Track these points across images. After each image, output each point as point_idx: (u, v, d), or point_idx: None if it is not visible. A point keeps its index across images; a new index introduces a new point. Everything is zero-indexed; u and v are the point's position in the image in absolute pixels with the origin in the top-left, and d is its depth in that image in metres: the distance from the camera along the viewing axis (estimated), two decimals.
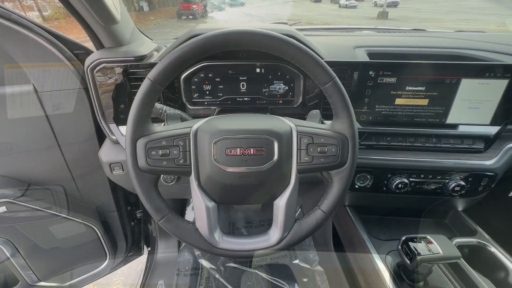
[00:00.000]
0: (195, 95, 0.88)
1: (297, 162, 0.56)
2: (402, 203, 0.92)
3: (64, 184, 1.01)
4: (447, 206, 0.95)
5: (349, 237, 0.97)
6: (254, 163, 0.54)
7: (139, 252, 1.48)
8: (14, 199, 0.90)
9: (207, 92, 0.87)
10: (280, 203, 0.58)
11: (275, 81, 0.87)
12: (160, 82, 0.52)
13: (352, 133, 0.55)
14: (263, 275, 1.33)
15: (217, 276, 1.31)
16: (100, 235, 1.15)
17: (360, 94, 0.79)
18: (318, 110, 0.66)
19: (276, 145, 0.55)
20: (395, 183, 0.82)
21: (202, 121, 0.59)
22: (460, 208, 0.94)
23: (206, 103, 0.88)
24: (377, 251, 0.80)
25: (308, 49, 0.52)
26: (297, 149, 0.56)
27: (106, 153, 0.86)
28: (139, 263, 1.73)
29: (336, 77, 0.53)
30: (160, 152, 0.55)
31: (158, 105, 0.75)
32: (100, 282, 1.83)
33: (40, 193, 0.97)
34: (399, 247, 0.69)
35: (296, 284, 1.27)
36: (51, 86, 0.84)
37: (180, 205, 1.54)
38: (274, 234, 0.59)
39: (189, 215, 1.53)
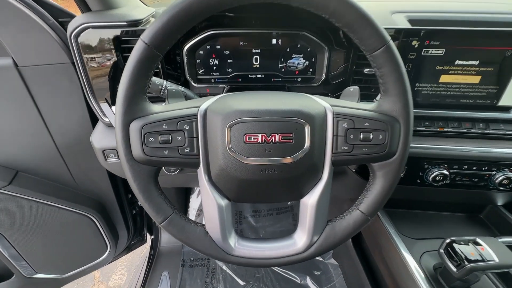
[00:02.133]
0: (200, 71, 0.75)
1: (332, 152, 0.45)
2: (436, 197, 0.81)
3: (56, 171, 0.91)
4: (484, 200, 0.84)
5: (372, 231, 0.87)
6: (279, 153, 0.43)
7: (142, 241, 1.41)
8: (0, 188, 0.81)
9: (214, 68, 0.75)
10: (310, 202, 0.47)
11: (293, 55, 0.74)
12: (158, 46, 0.40)
13: (406, 116, 0.43)
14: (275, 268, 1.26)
15: (224, 267, 1.24)
16: (99, 225, 1.07)
17: None
18: (356, 87, 0.53)
19: (307, 130, 0.43)
20: (432, 175, 0.71)
21: (212, 99, 0.47)
22: (499, 203, 0.83)
23: (213, 80, 0.76)
24: (409, 250, 0.70)
25: (356, 2, 0.39)
26: (333, 136, 0.45)
27: (99, 138, 0.75)
28: (142, 252, 1.67)
29: (391, 41, 0.40)
30: (160, 138, 0.44)
31: (156, 79, 0.62)
32: (100, 272, 1.79)
33: (30, 181, 0.88)
34: (442, 250, 0.59)
35: (307, 277, 1.19)
36: (34, 60, 0.73)
37: (184, 194, 1.45)
38: (300, 239, 0.49)
39: (194, 203, 1.45)
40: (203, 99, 0.48)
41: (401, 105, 0.43)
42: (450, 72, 0.65)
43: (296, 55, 0.74)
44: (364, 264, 0.99)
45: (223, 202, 0.47)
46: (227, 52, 0.73)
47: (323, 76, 0.74)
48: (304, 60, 0.75)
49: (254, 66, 0.75)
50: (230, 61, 0.74)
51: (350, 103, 0.47)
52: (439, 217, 0.86)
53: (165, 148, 0.44)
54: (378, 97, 0.57)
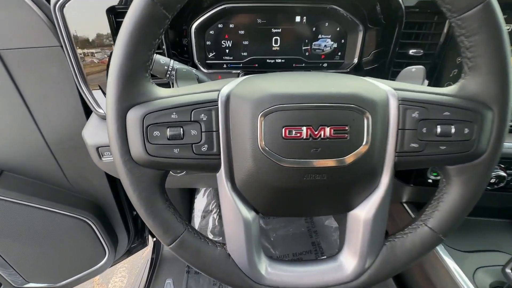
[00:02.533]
0: (211, 54, 0.64)
1: (395, 151, 0.34)
2: (486, 202, 0.70)
3: (46, 171, 0.81)
4: None
5: None
6: (329, 153, 0.32)
7: (143, 243, 1.32)
8: None
9: (227, 51, 0.64)
10: (363, 216, 0.36)
11: (320, 35, 0.63)
12: (167, 2, 0.29)
13: (504, 102, 0.32)
14: None
15: None
16: (96, 229, 0.97)
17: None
18: (420, 66, 0.42)
19: (367, 121, 0.33)
20: None
21: (236, 81, 0.36)
22: None
23: (225, 65, 0.65)
24: (460, 266, 0.59)
25: None
26: (398, 129, 0.34)
27: (92, 133, 0.65)
28: (144, 253, 1.58)
29: None
30: (168, 132, 0.33)
31: (161, 58, 0.51)
32: (100, 275, 1.70)
33: (16, 182, 0.78)
34: (508, 270, 0.48)
35: None
36: (16, 42, 0.62)
37: (188, 193, 1.34)
38: (349, 262, 0.39)
39: (199, 203, 1.35)
40: (223, 81, 0.37)
41: (497, 87, 0.32)
42: None
43: (323, 36, 0.63)
44: (399, 283, 0.88)
45: (250, 215, 0.36)
46: (242, 32, 0.62)
47: (355, 61, 0.63)
48: (332, 42, 0.64)
49: (273, 49, 0.64)
50: (246, 42, 0.63)
51: (419, 86, 0.36)
52: (488, 224, 0.75)
53: (174, 145, 0.33)
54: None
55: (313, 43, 0.64)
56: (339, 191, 0.35)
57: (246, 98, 0.33)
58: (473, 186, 0.35)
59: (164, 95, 0.34)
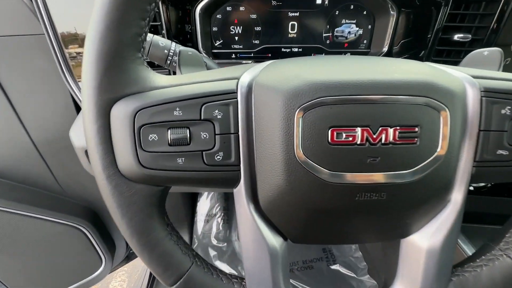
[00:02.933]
0: (218, 42, 0.56)
1: (474, 160, 0.26)
2: None
3: (35, 174, 0.74)
4: None
5: None
6: (393, 164, 0.24)
7: None
8: None
9: (236, 38, 0.56)
10: (426, 244, 0.28)
11: (344, 20, 0.55)
12: None
13: None
14: (294, 282, 1.08)
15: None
16: (91, 236, 0.89)
17: None
18: (498, 49, 0.34)
19: (444, 120, 0.24)
20: None
21: (259, 67, 0.28)
22: None
23: (233, 55, 0.57)
24: None
25: None
26: (478, 131, 0.25)
27: (81, 133, 0.57)
28: (142, 265, 1.51)
29: None
30: (169, 135, 0.25)
31: (160, 40, 0.41)
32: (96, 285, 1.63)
33: (2, 187, 0.70)
34: None
35: None
36: None
37: (190, 197, 1.26)
38: None
39: (202, 207, 1.27)
40: (241, 67, 0.28)
41: None
42: None
43: (347, 21, 0.55)
44: None
45: (277, 242, 0.28)
46: (254, 16, 0.54)
47: (384, 49, 0.55)
48: (357, 28, 0.56)
49: (290, 36, 0.56)
50: (258, 28, 0.55)
51: (507, 74, 0.28)
52: None
53: (178, 153, 0.25)
54: None
55: (336, 29, 0.56)
56: (400, 214, 0.27)
57: (276, 88, 0.24)
58: None
59: (164, 84, 0.25)
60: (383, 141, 0.23)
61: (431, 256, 0.27)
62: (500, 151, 0.25)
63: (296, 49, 0.57)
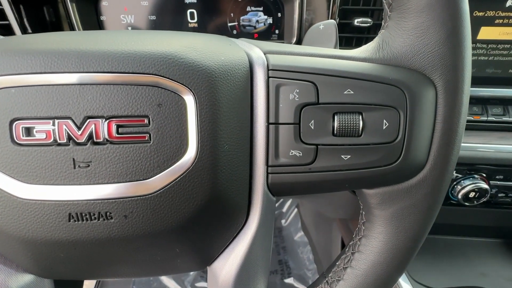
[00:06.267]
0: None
1: (266, 164, 0.19)
2: (464, 219, 0.56)
3: None
4: None
5: None
6: (117, 172, 0.17)
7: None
8: None
9: (129, 29, 0.50)
10: (221, 275, 0.21)
11: (249, 8, 0.49)
12: None
13: (456, 68, 0.17)
14: None
15: None
16: None
17: None
18: (332, 21, 0.28)
19: (196, 108, 0.17)
20: (463, 191, 0.45)
21: None
22: None
23: None
24: None
25: None
26: (267, 124, 0.19)
27: None
28: None
29: None
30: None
31: None
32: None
33: None
34: None
35: None
36: None
37: None
38: None
39: None
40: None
41: (443, 41, 0.17)
42: (496, 22, 0.39)
43: (253, 8, 0.49)
44: None
45: (16, 282, 0.21)
46: (145, 3, 0.48)
47: (294, 39, 0.49)
48: (266, 16, 0.50)
49: (190, 25, 0.50)
50: (152, 17, 0.49)
51: (304, 47, 0.21)
52: (466, 244, 0.60)
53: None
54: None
55: (242, 18, 0.50)
56: (145, 240, 0.19)
57: None
58: (407, 230, 0.20)
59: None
60: (94, 138, 0.16)
61: None
62: (293, 152, 0.18)
63: None
